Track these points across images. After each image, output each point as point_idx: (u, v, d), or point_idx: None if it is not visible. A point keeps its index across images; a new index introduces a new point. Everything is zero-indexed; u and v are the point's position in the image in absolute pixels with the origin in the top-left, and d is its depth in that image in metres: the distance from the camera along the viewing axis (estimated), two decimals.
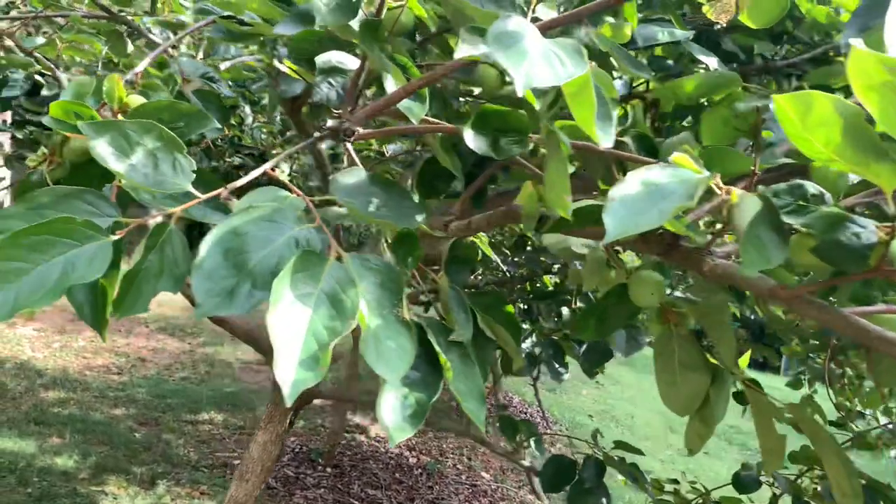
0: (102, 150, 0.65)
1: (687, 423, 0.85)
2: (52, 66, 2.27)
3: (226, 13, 1.25)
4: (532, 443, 2.14)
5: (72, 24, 2.15)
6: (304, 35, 0.95)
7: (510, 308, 0.76)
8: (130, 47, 2.52)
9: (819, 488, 2.01)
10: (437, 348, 0.63)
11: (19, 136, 3.74)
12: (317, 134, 0.77)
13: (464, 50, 0.64)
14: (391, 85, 0.88)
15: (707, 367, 0.80)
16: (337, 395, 2.40)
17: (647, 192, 0.55)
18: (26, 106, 3.01)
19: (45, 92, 2.42)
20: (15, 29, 2.50)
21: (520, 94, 0.51)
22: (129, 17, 2.38)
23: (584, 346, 1.93)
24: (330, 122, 0.76)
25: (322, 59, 0.89)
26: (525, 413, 7.56)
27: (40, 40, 2.11)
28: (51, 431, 4.58)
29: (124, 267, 0.73)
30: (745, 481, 2.02)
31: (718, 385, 0.80)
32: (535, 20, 0.74)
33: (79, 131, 0.95)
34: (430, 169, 1.39)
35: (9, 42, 2.53)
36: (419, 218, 0.70)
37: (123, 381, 5.82)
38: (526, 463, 2.14)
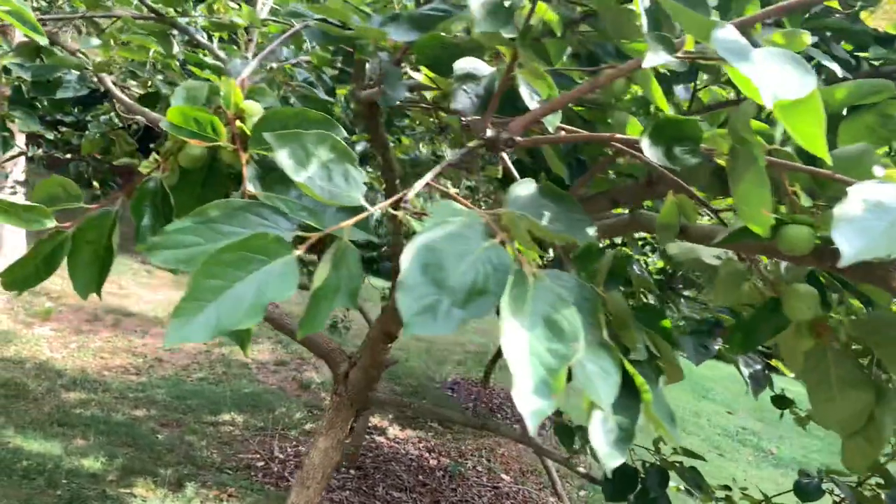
0: (284, 161, 0.63)
1: (844, 441, 0.83)
2: (86, 66, 2.24)
3: (318, 16, 1.23)
4: (588, 450, 2.11)
5: (126, 26, 2.13)
6: (428, 40, 0.93)
7: (667, 322, 0.74)
8: (176, 48, 2.49)
9: (883, 496, 1.99)
10: (632, 369, 0.61)
11: (49, 136, 3.71)
12: (471, 143, 0.75)
13: (652, 59, 0.62)
14: (527, 92, 0.86)
15: (869, 383, 0.78)
16: (394, 401, 2.38)
17: (875, 212, 0.52)
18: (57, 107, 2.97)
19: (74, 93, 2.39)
20: (57, 29, 2.48)
21: (768, 107, 0.49)
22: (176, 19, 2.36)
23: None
24: (489, 132, 0.74)
25: (459, 65, 0.86)
26: None
27: (95, 41, 2.09)
28: (74, 433, 4.56)
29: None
30: (807, 489, 2.00)
31: (885, 403, 0.78)
32: None
33: (196, 137, 0.93)
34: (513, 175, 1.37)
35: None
36: (591, 231, 0.68)
37: (142, 382, 5.80)
38: (582, 470, 2.12)
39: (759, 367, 1.68)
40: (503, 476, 5.64)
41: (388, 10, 1.77)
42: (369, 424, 5.85)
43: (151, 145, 3.87)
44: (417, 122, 2.57)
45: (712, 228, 0.79)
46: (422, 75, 0.94)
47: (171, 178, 0.99)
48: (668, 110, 0.90)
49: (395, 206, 0.69)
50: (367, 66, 1.93)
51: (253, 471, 4.61)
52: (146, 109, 2.41)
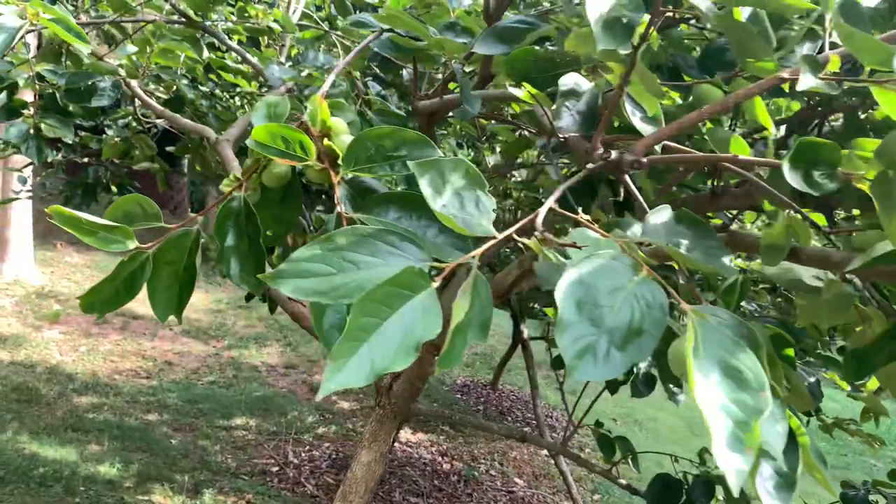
0: (425, 189, 0.60)
1: None
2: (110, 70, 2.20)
3: (386, 26, 1.20)
4: (629, 461, 2.08)
5: (159, 31, 2.10)
6: (521, 54, 0.90)
7: (791, 350, 0.72)
8: (206, 53, 2.46)
9: None
10: (788, 411, 0.58)
11: (68, 141, 3.67)
12: (592, 165, 0.72)
13: (806, 82, 0.59)
14: (631, 109, 0.83)
15: None
16: (436, 413, 2.35)
17: None
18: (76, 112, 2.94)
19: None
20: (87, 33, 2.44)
21: None
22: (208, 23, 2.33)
23: None
24: (614, 154, 0.71)
25: (563, 81, 0.84)
26: (550, 417, 7.52)
27: (132, 48, 2.05)
28: (89, 438, 4.53)
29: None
30: (854, 500, 1.97)
31: None
32: (833, 45, 0.70)
33: (284, 156, 0.90)
34: (574, 189, 1.35)
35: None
36: (727, 260, 0.65)
37: (153, 386, 5.77)
38: (623, 482, 2.09)
39: (813, 379, 1.65)
40: (517, 480, 5.62)
41: (429, 15, 1.75)
42: None
43: (168, 148, 3.84)
44: (457, 129, 2.54)
45: (839, 254, 0.76)
46: (522, 91, 0.91)
47: (253, 197, 0.96)
48: (772, 129, 0.87)
49: (522, 232, 0.66)
50: (404, 72, 1.90)
51: (268, 476, 4.58)
52: (176, 115, 2.38)
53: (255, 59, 2.36)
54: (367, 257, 0.61)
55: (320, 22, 2.39)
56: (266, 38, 2.96)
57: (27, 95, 2.28)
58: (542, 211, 0.67)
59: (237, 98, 3.24)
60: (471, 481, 5.21)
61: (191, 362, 6.53)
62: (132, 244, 0.89)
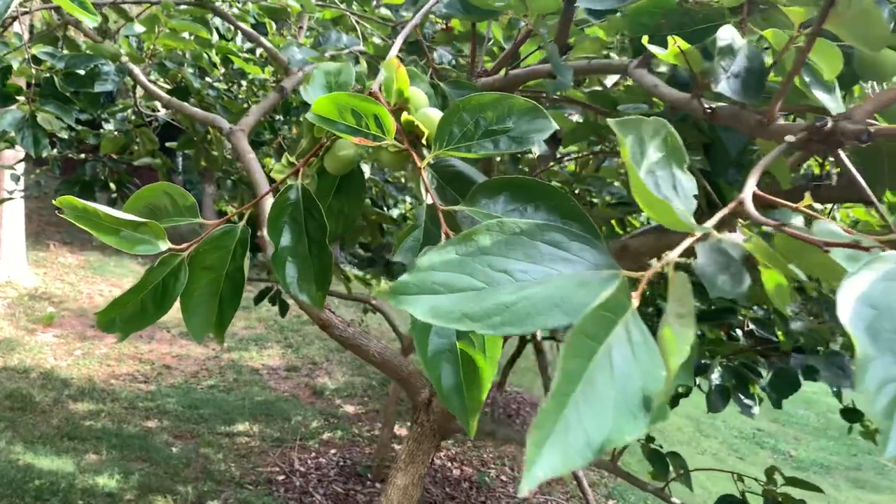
0: (628, 154, 0.42)
1: None
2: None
3: None
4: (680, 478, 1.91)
5: (170, 12, 1.91)
6: (648, 6, 0.72)
7: None
8: (216, 37, 2.27)
9: None
10: None
11: (64, 136, 3.48)
12: (791, 138, 0.54)
13: None
14: (805, 71, 0.65)
15: None
16: (480, 430, 2.17)
17: None
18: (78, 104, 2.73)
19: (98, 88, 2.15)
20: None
21: None
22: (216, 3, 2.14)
23: (771, 375, 1.71)
24: (829, 123, 0.53)
25: (722, 35, 0.65)
26: None
27: (139, 28, 1.86)
28: (86, 447, 4.33)
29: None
30: None
31: None
32: None
33: (357, 133, 0.72)
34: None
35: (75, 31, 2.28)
36: None
37: (151, 391, 5.57)
38: (676, 501, 1.92)
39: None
40: None
41: None
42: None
43: (168, 144, 3.63)
44: None
45: None
46: (661, 49, 0.72)
47: (311, 186, 0.77)
48: None
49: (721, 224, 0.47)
50: (435, 52, 1.71)
51: (274, 485, 4.39)
52: (184, 104, 2.19)
53: (269, 44, 2.17)
54: (523, 264, 0.43)
55: (337, 3, 2.20)
56: (273, 25, 2.77)
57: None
58: (748, 193, 0.49)
59: (245, 83, 3.05)
60: (483, 488, 5.04)
61: (189, 366, 6.33)
62: (164, 245, 0.70)
